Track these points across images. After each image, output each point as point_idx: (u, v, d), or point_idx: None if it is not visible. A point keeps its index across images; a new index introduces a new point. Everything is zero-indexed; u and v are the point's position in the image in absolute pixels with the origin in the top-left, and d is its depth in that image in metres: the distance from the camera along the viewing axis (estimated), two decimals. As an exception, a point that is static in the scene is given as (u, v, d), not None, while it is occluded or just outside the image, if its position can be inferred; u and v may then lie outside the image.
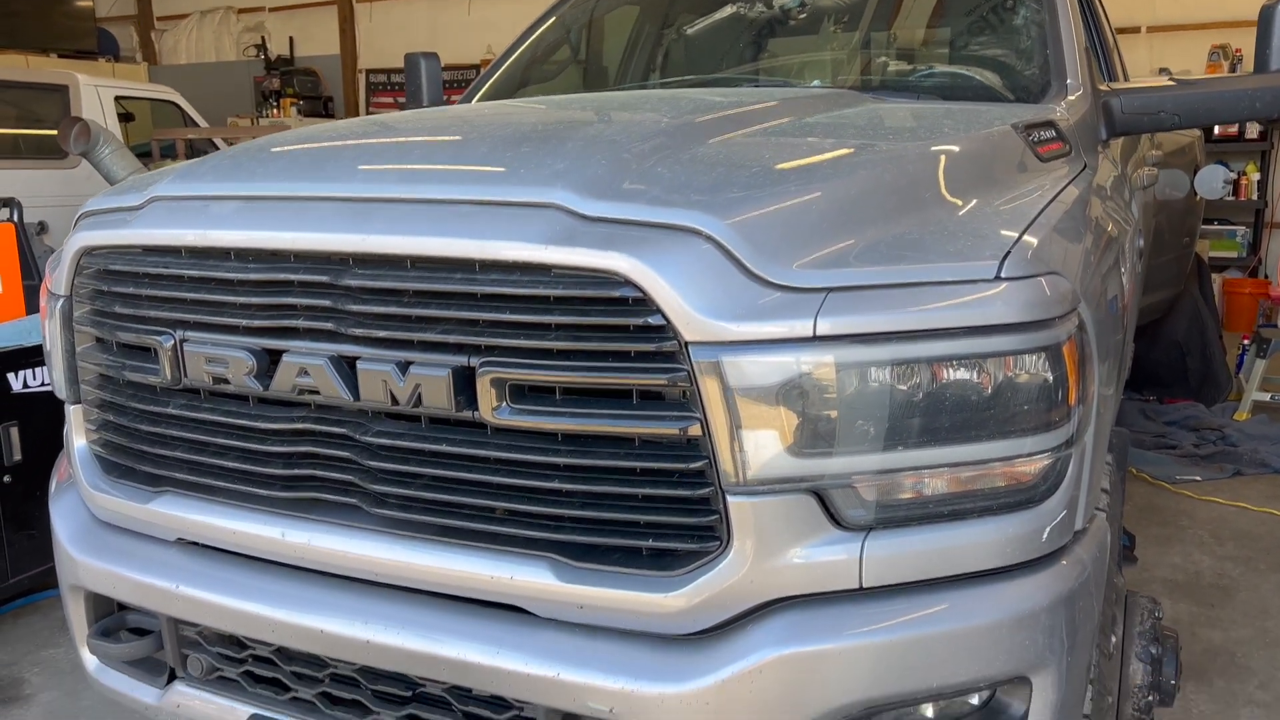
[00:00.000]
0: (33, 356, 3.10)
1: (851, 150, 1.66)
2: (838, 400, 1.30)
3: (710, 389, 1.29)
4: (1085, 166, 2.10)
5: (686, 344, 1.29)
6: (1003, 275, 1.35)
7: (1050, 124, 2.08)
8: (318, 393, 1.49)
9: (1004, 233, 1.45)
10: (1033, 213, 1.55)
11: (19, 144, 7.03)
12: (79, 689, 2.77)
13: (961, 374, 1.33)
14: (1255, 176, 7.96)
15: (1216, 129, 7.76)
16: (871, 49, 3.16)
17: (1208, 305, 5.66)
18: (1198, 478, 4.31)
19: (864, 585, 1.35)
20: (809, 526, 1.34)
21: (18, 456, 3.08)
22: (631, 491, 1.37)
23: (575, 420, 1.36)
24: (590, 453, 1.38)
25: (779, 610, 1.35)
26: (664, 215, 1.35)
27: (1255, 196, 7.96)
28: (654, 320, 1.30)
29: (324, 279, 1.47)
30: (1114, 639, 1.97)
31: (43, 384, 3.13)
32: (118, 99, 7.32)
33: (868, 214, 1.44)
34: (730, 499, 1.32)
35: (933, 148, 1.69)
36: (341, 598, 1.54)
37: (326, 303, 1.47)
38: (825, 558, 1.34)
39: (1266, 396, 5.15)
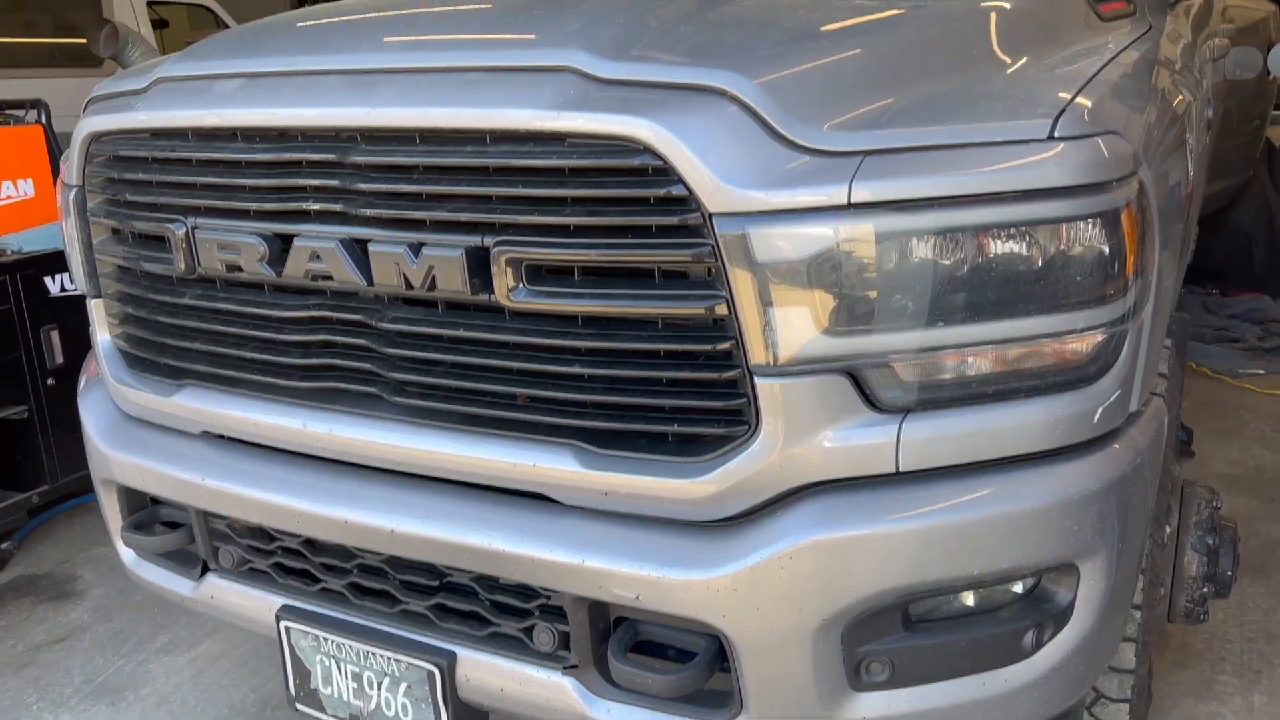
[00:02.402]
0: (68, 260, 3.09)
1: (891, 4, 1.53)
2: (876, 274, 1.22)
3: (737, 264, 1.21)
4: (1151, 28, 1.94)
5: (710, 216, 1.21)
6: (1057, 135, 1.24)
7: (1113, -20, 1.91)
8: (331, 278, 1.44)
9: (1059, 91, 1.33)
10: (1091, 71, 1.43)
11: (54, 53, 7.00)
12: (130, 586, 2.83)
13: (1011, 243, 1.23)
14: (1334, 56, 7.49)
15: (1294, 5, 7.28)
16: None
17: (1277, 194, 5.39)
18: (1261, 371, 4.14)
19: (901, 469, 1.28)
20: (842, 409, 1.26)
21: (60, 360, 3.11)
22: (656, 375, 1.30)
23: (595, 302, 1.30)
24: (612, 335, 1.31)
25: (812, 495, 1.29)
26: (686, 75, 1.25)
27: (1333, 78, 7.51)
28: (676, 191, 1.21)
29: (331, 157, 1.40)
30: (1169, 529, 1.89)
31: (79, 287, 3.13)
32: (150, 4, 7.22)
33: (909, 71, 1.33)
34: (759, 381, 1.25)
35: (981, 2, 1.56)
36: (365, 488, 1.52)
37: (335, 182, 1.41)
38: (860, 441, 1.27)
39: (1338, 287, 4.92)
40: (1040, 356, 1.30)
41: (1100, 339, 1.31)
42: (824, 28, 1.41)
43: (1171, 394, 1.86)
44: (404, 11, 1.67)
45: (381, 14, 1.67)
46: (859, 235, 1.20)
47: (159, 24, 7.56)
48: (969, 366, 1.29)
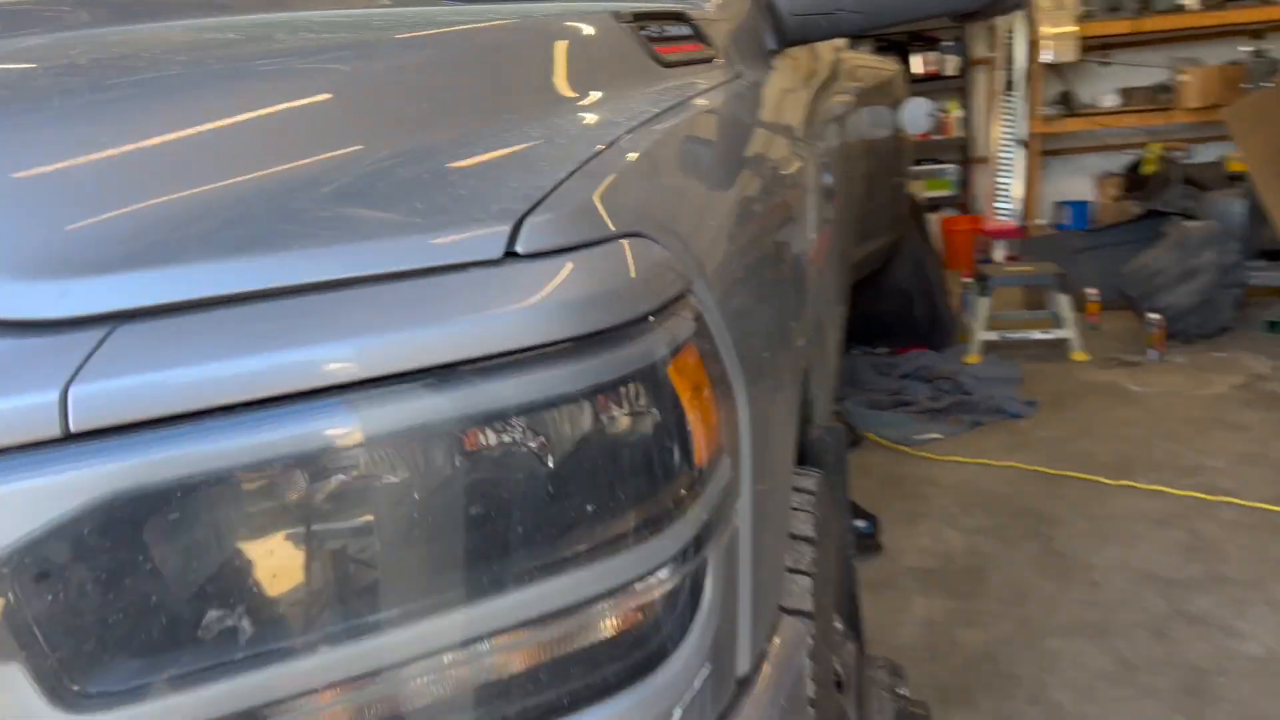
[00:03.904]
0: None
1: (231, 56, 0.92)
2: (182, 564, 0.58)
3: None
4: (738, 76, 1.49)
5: None
6: (520, 250, 0.67)
7: (681, 18, 1.44)
8: None
9: (539, 175, 0.77)
10: (613, 134, 0.89)
11: None
12: None
13: (464, 463, 0.64)
14: (958, 114, 8.00)
15: (919, 67, 7.72)
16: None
17: (927, 247, 5.46)
18: (938, 435, 3.97)
19: None
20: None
21: None
22: None
23: None
24: None
25: None
26: None
27: (959, 133, 8.01)
28: None
29: None
30: (848, 743, 1.41)
31: None
32: None
33: (236, 146, 0.71)
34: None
35: (450, 47, 0.98)
36: None
37: None
38: None
39: (994, 335, 4.96)
40: (569, 643, 0.71)
41: (668, 587, 0.75)
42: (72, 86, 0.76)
43: (828, 560, 1.38)
44: None
45: None
46: (94, 507, 0.56)
47: None
48: (445, 684, 0.68)
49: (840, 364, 2.86)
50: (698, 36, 1.45)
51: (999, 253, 7.21)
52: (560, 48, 1.05)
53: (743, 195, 1.05)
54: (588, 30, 1.12)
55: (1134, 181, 7.03)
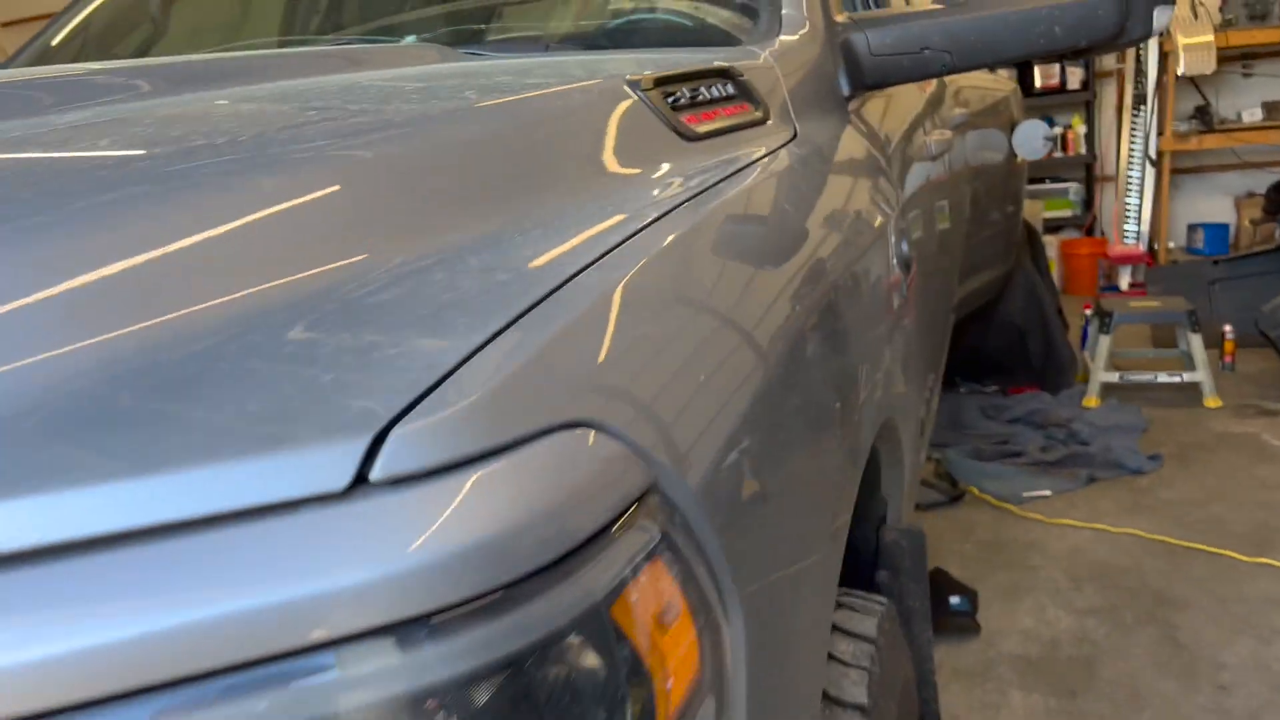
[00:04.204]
0: None
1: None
2: None
3: None
4: (793, 137, 1.28)
5: None
6: (377, 475, 0.48)
7: (725, 74, 1.24)
8: None
9: (450, 334, 0.58)
10: (574, 264, 0.69)
11: None
12: None
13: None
14: (1081, 129, 7.51)
15: (1037, 80, 7.26)
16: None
17: (1043, 278, 5.07)
18: (1047, 492, 3.63)
19: None
20: None
21: None
22: None
23: None
24: None
25: None
26: None
27: (1083, 151, 7.52)
28: None
29: None
30: None
31: None
32: None
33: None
34: None
35: (362, 146, 0.78)
36: None
37: None
38: None
39: (1115, 377, 4.56)
40: None
41: None
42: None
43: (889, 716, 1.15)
44: None
45: None
46: None
47: None
48: None
49: (929, 437, 2.60)
50: (744, 95, 1.24)
51: (1124, 279, 6.73)
52: (532, 138, 0.85)
53: (757, 319, 0.83)
54: (581, 107, 0.93)
55: (1279, 204, 6.45)
